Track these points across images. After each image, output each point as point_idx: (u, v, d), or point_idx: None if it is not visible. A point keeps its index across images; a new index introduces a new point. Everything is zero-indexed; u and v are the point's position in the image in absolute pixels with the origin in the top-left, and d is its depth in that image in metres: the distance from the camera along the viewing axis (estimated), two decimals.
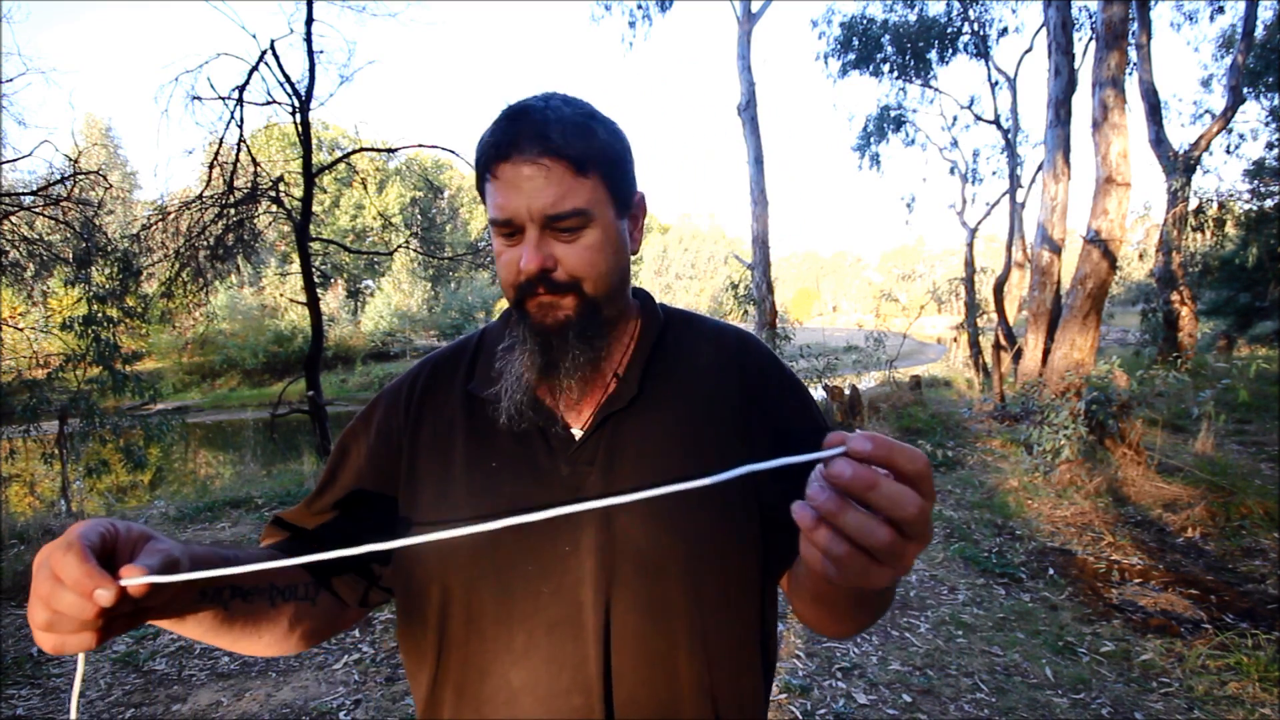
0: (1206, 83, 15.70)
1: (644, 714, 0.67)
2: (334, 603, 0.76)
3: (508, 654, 0.67)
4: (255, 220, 9.07)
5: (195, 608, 0.60)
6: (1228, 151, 13.63)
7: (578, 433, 0.73)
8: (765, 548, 0.74)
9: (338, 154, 16.46)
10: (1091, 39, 9.95)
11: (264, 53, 7.73)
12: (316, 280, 9.21)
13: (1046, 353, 8.45)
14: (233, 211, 8.54)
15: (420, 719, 0.75)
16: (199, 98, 7.89)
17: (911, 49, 16.04)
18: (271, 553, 0.66)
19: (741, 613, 0.73)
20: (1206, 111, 14.96)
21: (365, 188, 12.39)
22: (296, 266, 8.94)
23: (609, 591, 0.67)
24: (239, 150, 8.28)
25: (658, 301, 0.84)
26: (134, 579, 0.46)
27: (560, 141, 0.66)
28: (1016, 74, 16.10)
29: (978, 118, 16.93)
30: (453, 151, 8.94)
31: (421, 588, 0.72)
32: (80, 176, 8.05)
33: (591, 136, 0.68)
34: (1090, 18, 13.07)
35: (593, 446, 0.72)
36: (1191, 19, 14.70)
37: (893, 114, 17.60)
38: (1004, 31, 15.96)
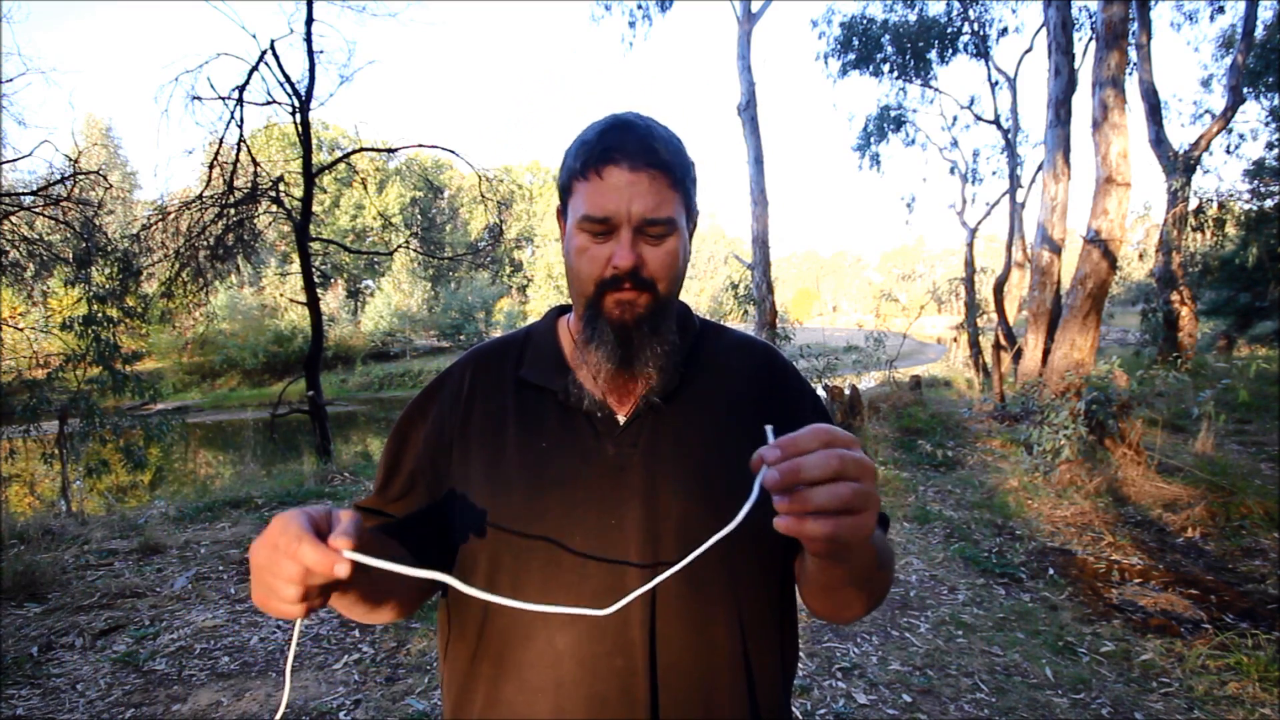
0: (1206, 83, 15.71)
1: (685, 676, 0.71)
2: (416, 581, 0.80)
3: (554, 619, 0.71)
4: (255, 220, 9.07)
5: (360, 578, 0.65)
6: (1228, 151, 13.65)
7: (621, 418, 0.78)
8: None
9: (338, 154, 16.45)
10: (1091, 39, 9.96)
11: (264, 53, 7.74)
12: (316, 280, 9.21)
13: (1046, 353, 8.45)
14: (233, 211, 8.54)
15: (454, 695, 0.79)
16: (199, 98, 7.91)
17: (911, 49, 16.04)
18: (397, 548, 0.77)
19: (770, 587, 0.79)
20: (1206, 111, 14.96)
21: (365, 188, 12.39)
22: (296, 266, 8.94)
23: (654, 562, 0.71)
24: (239, 150, 8.28)
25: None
26: (358, 556, 0.54)
27: (666, 155, 0.74)
28: (1016, 74, 16.11)
29: (978, 118, 16.94)
30: (453, 151, 8.96)
31: (471, 558, 0.76)
32: (80, 176, 8.05)
33: (684, 156, 0.78)
34: (1090, 18, 13.07)
35: (636, 430, 0.77)
36: (1191, 19, 14.71)
37: (893, 114, 17.60)
38: (1004, 31, 15.98)
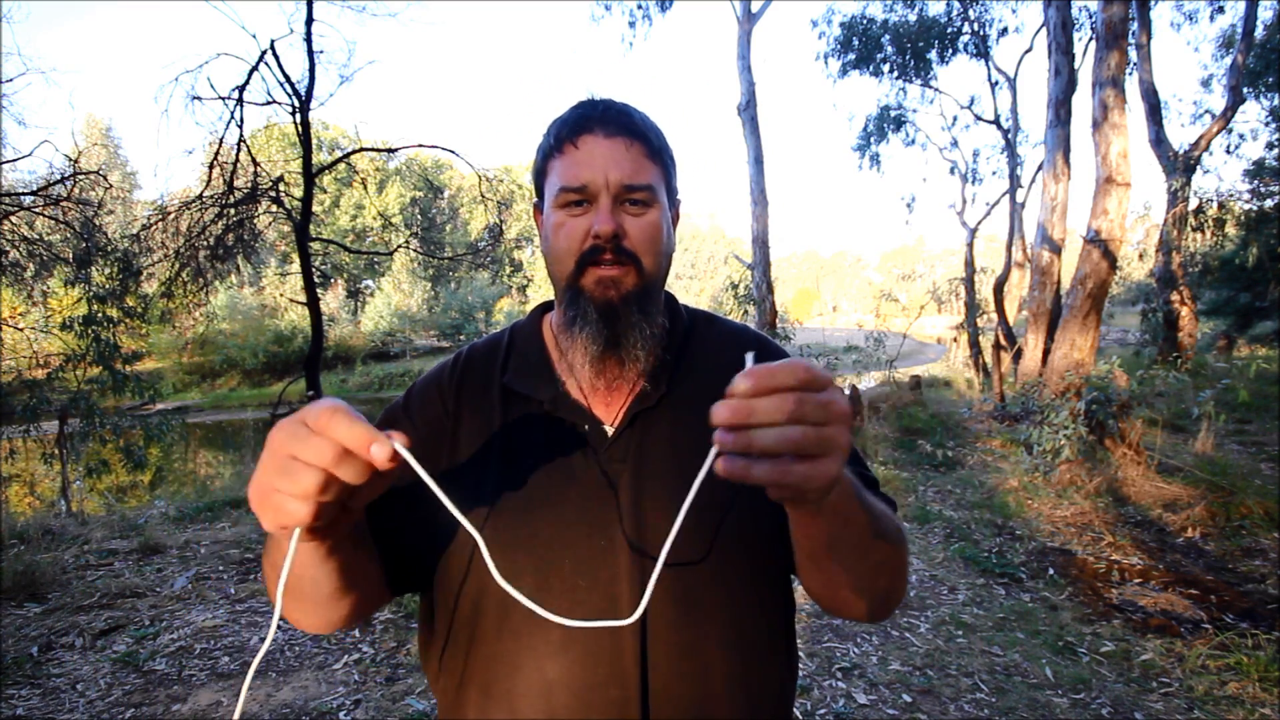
0: (1206, 83, 15.72)
1: (678, 705, 0.67)
2: (381, 578, 0.72)
3: (544, 647, 0.67)
4: (255, 220, 9.06)
5: (348, 534, 0.59)
6: (1228, 151, 13.66)
7: (609, 430, 0.74)
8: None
9: (338, 154, 16.47)
10: (1091, 39, 9.95)
11: (264, 53, 7.73)
12: (316, 280, 9.21)
13: (1046, 353, 8.44)
14: (233, 211, 8.54)
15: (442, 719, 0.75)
16: (199, 98, 7.89)
17: (911, 49, 16.04)
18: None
19: (771, 606, 0.75)
20: (1206, 111, 14.96)
21: (365, 188, 12.38)
22: (296, 266, 8.94)
23: (643, 585, 0.66)
24: (239, 150, 8.27)
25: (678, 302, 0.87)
26: (406, 454, 0.47)
27: (642, 125, 0.74)
28: (1016, 74, 16.11)
29: (978, 118, 16.93)
30: (453, 151, 8.95)
31: (454, 582, 0.71)
32: (80, 176, 8.04)
33: (662, 135, 0.77)
34: (1090, 18, 13.06)
35: (624, 444, 0.73)
36: (1191, 19, 14.71)
37: (893, 114, 17.60)
38: (1004, 31, 15.98)
